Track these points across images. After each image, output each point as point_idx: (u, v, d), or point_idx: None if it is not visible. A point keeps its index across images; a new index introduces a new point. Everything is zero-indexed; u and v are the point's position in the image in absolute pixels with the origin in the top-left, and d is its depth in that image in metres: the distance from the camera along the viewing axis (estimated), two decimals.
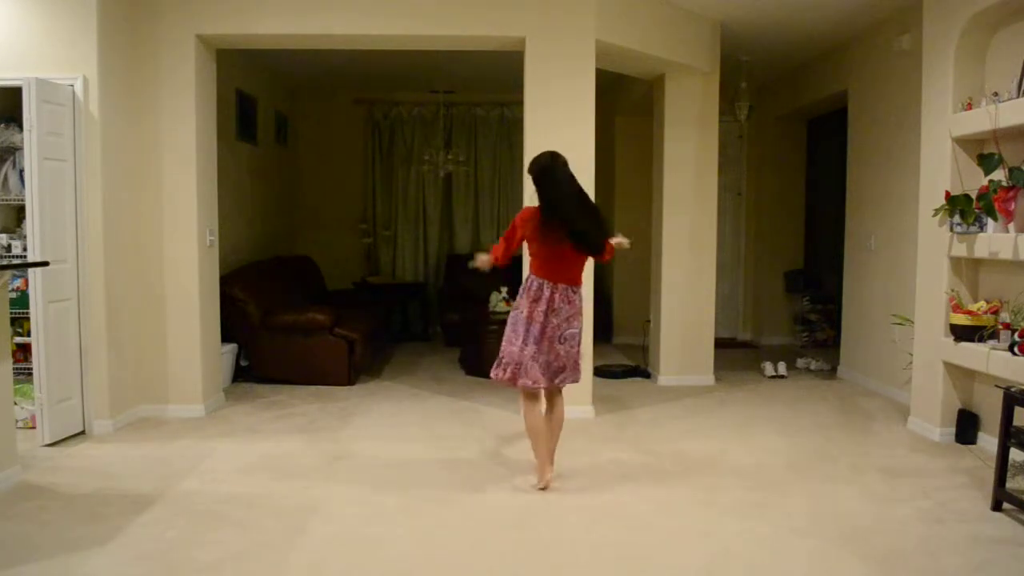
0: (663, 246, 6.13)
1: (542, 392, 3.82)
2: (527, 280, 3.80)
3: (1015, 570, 2.92)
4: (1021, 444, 3.43)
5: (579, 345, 3.82)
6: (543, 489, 3.76)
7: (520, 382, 3.71)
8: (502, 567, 2.96)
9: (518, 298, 3.82)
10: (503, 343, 3.79)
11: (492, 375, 3.81)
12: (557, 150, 3.81)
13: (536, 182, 3.74)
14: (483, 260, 3.87)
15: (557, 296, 3.71)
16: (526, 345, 3.70)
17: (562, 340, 3.74)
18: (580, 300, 3.81)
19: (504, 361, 3.76)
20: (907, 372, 5.05)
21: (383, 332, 7.50)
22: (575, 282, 3.78)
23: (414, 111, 8.80)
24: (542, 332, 3.70)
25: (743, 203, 8.37)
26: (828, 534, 3.23)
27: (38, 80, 4.27)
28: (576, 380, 3.87)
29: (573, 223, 3.66)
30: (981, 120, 4.17)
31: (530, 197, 3.80)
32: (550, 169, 3.72)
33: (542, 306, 3.70)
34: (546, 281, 3.72)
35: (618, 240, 3.96)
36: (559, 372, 3.77)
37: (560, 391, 3.89)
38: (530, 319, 3.70)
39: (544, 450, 3.79)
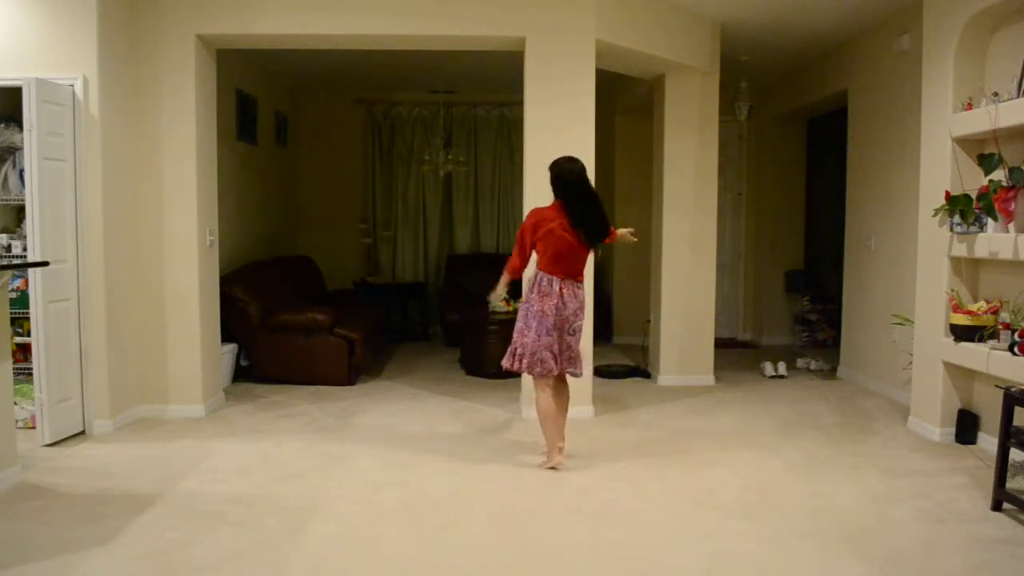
0: (663, 246, 6.13)
1: (553, 379, 4.09)
2: (536, 276, 4.03)
3: (1015, 570, 2.92)
4: (1021, 444, 3.43)
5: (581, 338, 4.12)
6: (552, 469, 4.03)
7: (536, 371, 3.99)
8: (502, 567, 2.96)
9: (528, 292, 4.06)
10: (515, 335, 4.06)
11: (504, 364, 4.08)
12: (572, 155, 4.13)
13: (557, 184, 4.05)
14: (496, 295, 4.26)
15: (566, 291, 3.99)
16: (540, 337, 3.96)
17: (571, 332, 4.04)
18: (584, 294, 4.11)
19: (518, 352, 4.02)
20: (907, 372, 5.05)
21: (383, 332, 7.50)
22: (579, 277, 4.08)
23: (414, 111, 8.80)
24: (555, 324, 3.97)
25: (743, 203, 8.37)
26: (828, 534, 3.23)
27: (38, 80, 4.27)
28: (581, 373, 4.18)
29: (589, 225, 4.01)
30: (981, 120, 4.17)
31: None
32: (572, 174, 4.03)
33: (553, 300, 3.96)
34: (555, 277, 3.99)
35: (623, 232, 4.34)
36: (569, 362, 4.07)
37: (565, 379, 4.18)
38: (542, 312, 3.96)
39: (553, 433, 4.06)
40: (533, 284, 4.03)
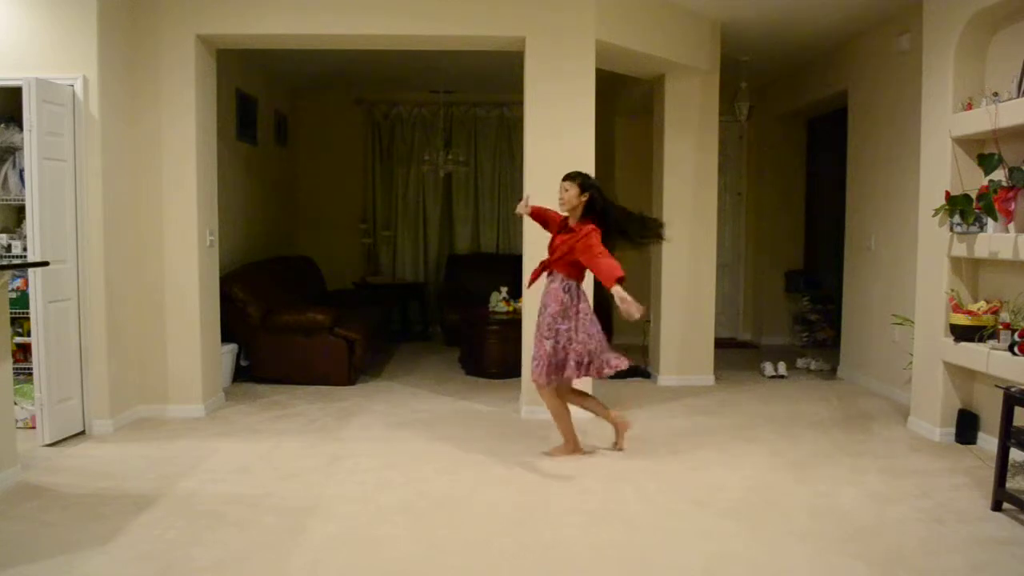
0: (663, 246, 6.11)
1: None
2: (576, 288, 4.14)
3: (1015, 570, 2.92)
4: (1021, 444, 3.43)
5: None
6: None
7: (605, 371, 4.12)
8: (502, 567, 2.96)
9: (577, 303, 4.11)
10: (594, 345, 4.08)
11: (576, 374, 4.11)
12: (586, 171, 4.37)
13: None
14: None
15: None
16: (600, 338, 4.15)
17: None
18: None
19: (586, 360, 4.09)
20: (907, 372, 5.05)
21: (383, 332, 7.50)
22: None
23: (414, 111, 8.80)
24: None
25: (743, 203, 8.37)
26: (828, 534, 3.23)
27: (38, 80, 4.27)
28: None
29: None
30: (981, 120, 4.17)
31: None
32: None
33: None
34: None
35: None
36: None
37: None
38: (591, 318, 4.14)
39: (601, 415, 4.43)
40: (580, 295, 4.13)
